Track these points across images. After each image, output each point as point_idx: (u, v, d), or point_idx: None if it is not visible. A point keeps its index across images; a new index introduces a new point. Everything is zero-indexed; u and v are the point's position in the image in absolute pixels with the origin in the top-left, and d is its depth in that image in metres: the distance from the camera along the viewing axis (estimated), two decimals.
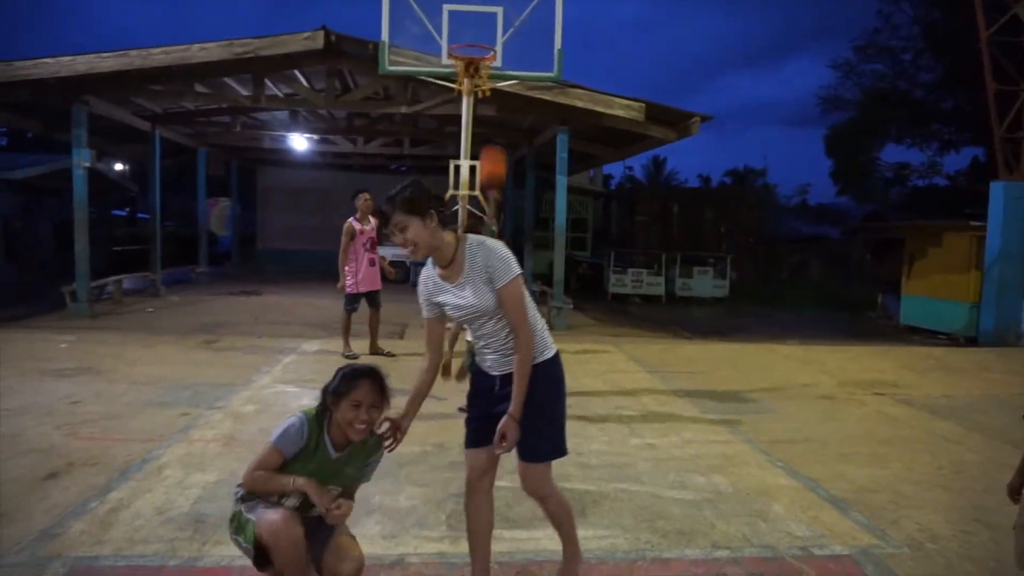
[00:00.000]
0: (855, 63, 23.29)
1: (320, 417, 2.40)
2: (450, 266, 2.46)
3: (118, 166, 22.97)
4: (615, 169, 45.70)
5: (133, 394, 5.67)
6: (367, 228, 7.67)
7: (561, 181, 11.11)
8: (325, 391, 2.40)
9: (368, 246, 7.66)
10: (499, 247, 2.46)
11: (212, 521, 3.29)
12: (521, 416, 2.41)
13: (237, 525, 2.40)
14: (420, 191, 2.42)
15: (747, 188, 34.46)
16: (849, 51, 23.22)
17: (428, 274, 2.57)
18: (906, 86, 22.43)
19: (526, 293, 2.48)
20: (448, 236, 2.44)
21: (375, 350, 7.67)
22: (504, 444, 2.40)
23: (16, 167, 16.90)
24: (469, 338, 2.83)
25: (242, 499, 2.42)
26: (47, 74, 9.39)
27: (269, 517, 2.29)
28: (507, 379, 2.49)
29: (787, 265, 24.92)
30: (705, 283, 17.38)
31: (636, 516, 3.54)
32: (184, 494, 3.61)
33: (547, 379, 2.53)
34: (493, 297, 2.41)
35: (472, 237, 2.48)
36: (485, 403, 2.59)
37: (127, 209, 26.26)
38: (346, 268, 7.57)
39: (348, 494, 2.45)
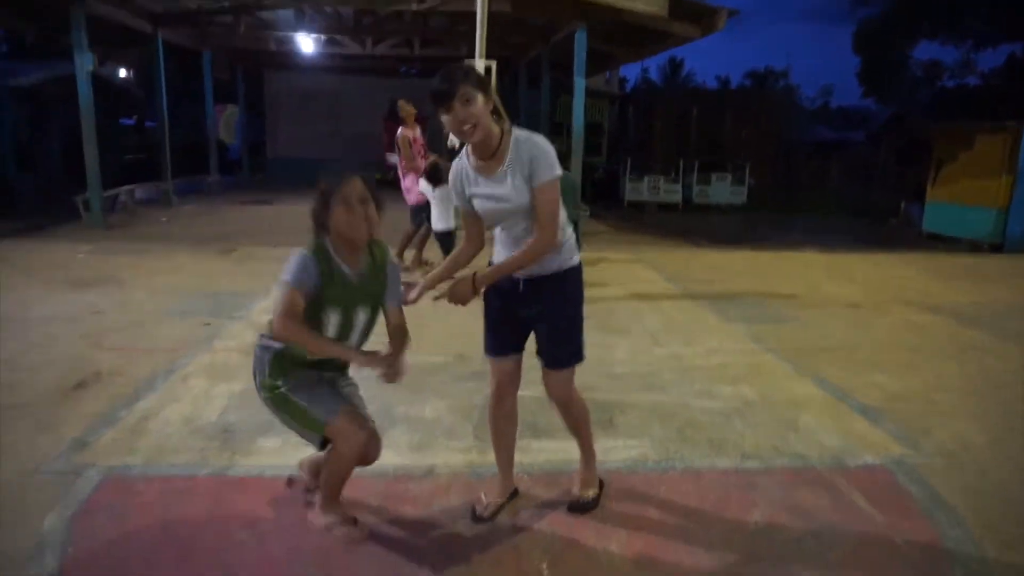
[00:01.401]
0: None
1: (320, 245, 2.31)
2: (492, 157, 2.32)
3: (122, 72, 22.37)
4: (630, 71, 44.15)
5: (154, 304, 5.67)
6: (417, 135, 7.43)
7: (579, 83, 10.67)
8: (314, 215, 2.31)
9: (423, 153, 7.43)
10: (546, 143, 2.31)
11: (240, 431, 3.30)
12: (551, 321, 2.47)
13: (277, 398, 2.43)
14: (478, 71, 2.33)
15: (768, 91, 33.19)
16: None
17: (461, 165, 2.44)
18: None
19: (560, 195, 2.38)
20: (495, 125, 2.31)
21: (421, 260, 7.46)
22: (446, 297, 2.41)
23: (18, 74, 16.49)
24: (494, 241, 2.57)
25: (268, 349, 2.43)
26: None
27: (349, 430, 2.36)
28: (531, 283, 2.44)
29: (807, 171, 24.34)
30: (723, 190, 17.03)
31: (665, 426, 3.53)
32: (211, 404, 3.62)
33: (576, 285, 2.51)
34: (529, 194, 2.29)
35: (520, 130, 2.34)
36: (506, 306, 2.53)
37: (134, 117, 25.81)
38: (408, 178, 7.34)
39: (398, 335, 2.44)
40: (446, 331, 4.61)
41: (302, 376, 2.43)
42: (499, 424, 2.67)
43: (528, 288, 2.45)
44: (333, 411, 2.38)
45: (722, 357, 4.67)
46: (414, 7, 10.65)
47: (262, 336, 2.47)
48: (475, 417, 3.53)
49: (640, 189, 16.51)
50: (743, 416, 3.68)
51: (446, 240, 6.64)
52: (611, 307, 5.95)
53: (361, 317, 2.40)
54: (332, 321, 2.34)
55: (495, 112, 2.31)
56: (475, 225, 2.53)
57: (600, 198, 16.28)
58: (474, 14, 7.99)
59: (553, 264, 2.42)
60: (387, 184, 6.80)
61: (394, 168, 7.87)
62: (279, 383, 2.41)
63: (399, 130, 7.37)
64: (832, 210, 16.36)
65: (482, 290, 2.42)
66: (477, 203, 2.42)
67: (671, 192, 16.58)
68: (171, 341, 4.69)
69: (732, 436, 3.42)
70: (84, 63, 9.95)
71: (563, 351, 2.51)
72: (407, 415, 3.56)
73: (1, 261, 7.30)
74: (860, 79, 24.31)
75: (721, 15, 10.10)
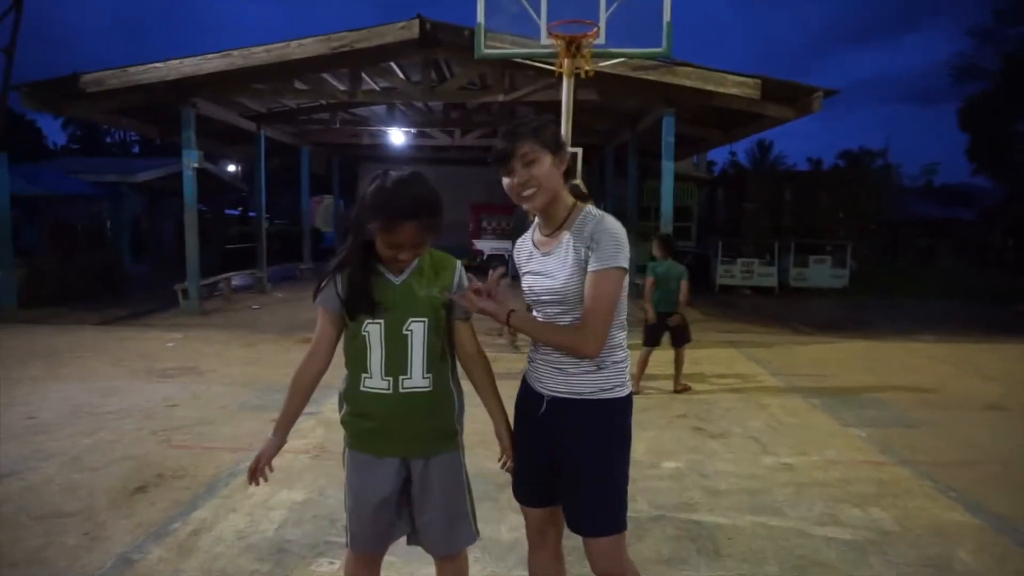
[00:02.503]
0: (994, 28, 21.03)
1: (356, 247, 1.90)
2: (557, 231, 1.91)
3: (231, 167, 23.96)
4: (718, 155, 43.82)
5: (229, 397, 5.56)
6: None
7: (668, 167, 10.38)
8: (357, 223, 1.88)
9: None
10: (619, 227, 1.86)
11: (296, 551, 2.97)
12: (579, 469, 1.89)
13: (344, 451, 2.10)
14: (553, 125, 1.92)
15: (865, 169, 31.97)
16: (985, 16, 21.01)
17: (525, 237, 2.05)
18: None
19: (622, 299, 1.87)
20: (568, 194, 1.93)
21: None
22: (471, 295, 1.90)
23: (139, 171, 17.89)
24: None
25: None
26: (157, 78, 9.64)
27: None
28: (556, 406, 1.90)
29: (913, 251, 22.90)
30: (822, 273, 16.15)
31: (782, 560, 2.95)
32: (268, 516, 3.33)
33: (616, 428, 1.89)
34: (579, 280, 1.82)
35: (593, 207, 1.92)
36: (529, 435, 2.00)
37: (239, 208, 27.48)
38: None
39: (474, 367, 2.04)
40: None
41: (361, 443, 1.98)
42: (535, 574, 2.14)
43: (552, 411, 1.90)
44: (357, 538, 1.97)
45: (844, 470, 4.03)
46: (500, 99, 10.80)
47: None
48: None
49: (733, 272, 15.85)
50: (880, 551, 3.04)
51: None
52: (707, 405, 5.39)
53: (417, 335, 1.90)
54: (373, 340, 1.90)
55: (570, 178, 1.94)
56: None
57: (690, 282, 15.67)
58: (558, 103, 7.94)
59: (586, 386, 1.86)
60: (472, 269, 6.65)
61: (480, 254, 7.71)
62: (345, 435, 2.06)
63: None
64: (944, 294, 15.11)
65: (507, 329, 2.06)
66: (525, 282, 1.99)
67: (766, 275, 15.82)
68: (239, 439, 4.50)
69: None
70: (191, 159, 10.54)
71: (593, 514, 1.88)
72: (482, 535, 3.13)
73: (95, 348, 7.50)
74: (969, 156, 23.00)
75: (817, 96, 9.69)
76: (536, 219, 2.02)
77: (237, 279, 13.28)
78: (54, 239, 15.21)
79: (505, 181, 1.88)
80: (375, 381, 1.93)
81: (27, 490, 3.58)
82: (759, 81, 9.41)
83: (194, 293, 10.51)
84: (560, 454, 1.90)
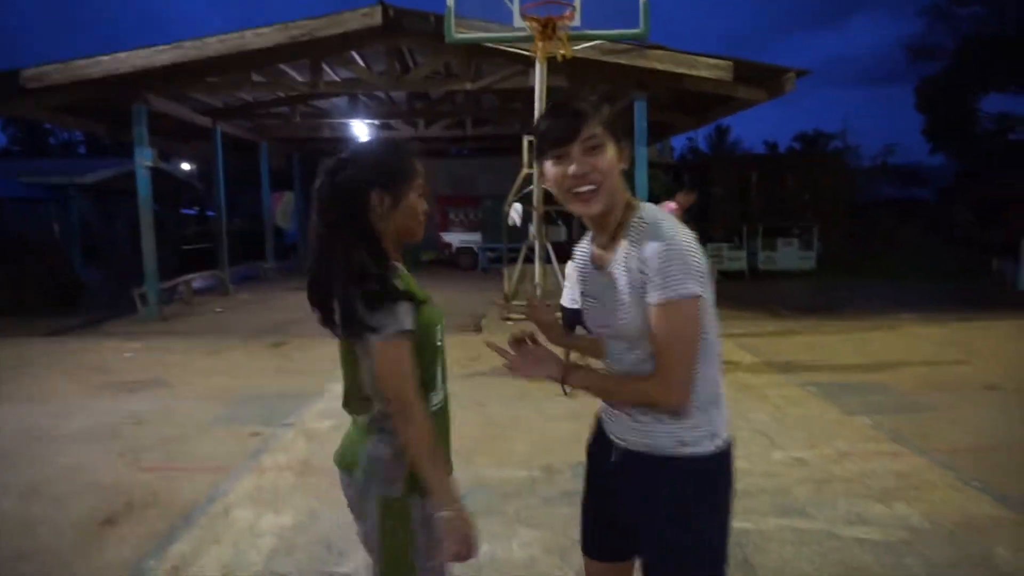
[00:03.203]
0: (947, 7, 21.36)
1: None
2: (611, 242, 1.49)
3: (185, 165, 23.16)
4: (676, 141, 43.90)
5: (200, 411, 5.18)
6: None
7: (641, 153, 10.17)
8: (361, 207, 1.50)
9: None
10: (681, 235, 1.39)
11: None
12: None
13: (401, 538, 1.52)
14: (613, 108, 1.50)
15: (827, 152, 32.40)
16: None
17: (583, 250, 1.65)
18: (1010, 29, 20.37)
19: (701, 329, 1.41)
20: (624, 198, 1.50)
21: None
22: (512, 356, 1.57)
23: (87, 172, 17.07)
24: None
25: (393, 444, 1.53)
26: (104, 72, 9.07)
27: None
28: (628, 459, 1.50)
29: (878, 232, 23.24)
30: (791, 255, 16.26)
31: (819, 568, 2.76)
32: (256, 545, 3.02)
33: (706, 491, 1.47)
34: (637, 314, 1.40)
35: (650, 207, 1.49)
36: (597, 484, 1.66)
37: (196, 208, 26.61)
38: None
39: None
40: (528, 439, 3.97)
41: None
42: None
43: (623, 465, 1.52)
44: None
45: (860, 463, 3.86)
46: (467, 87, 10.47)
47: (380, 419, 1.53)
48: (575, 560, 2.83)
49: None
50: (915, 550, 2.87)
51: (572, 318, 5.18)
52: None
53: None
54: (439, 367, 1.59)
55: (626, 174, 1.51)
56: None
57: None
58: (526, 90, 7.67)
59: (664, 439, 1.44)
60: (441, 263, 6.35)
61: (449, 246, 7.45)
62: (412, 512, 1.51)
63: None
64: (909, 272, 15.30)
65: (567, 387, 1.53)
66: (583, 303, 1.63)
67: (735, 259, 15.84)
68: (215, 457, 4.16)
69: None
70: (144, 157, 9.99)
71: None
72: (492, 555, 2.88)
73: (46, 362, 7.02)
74: (927, 136, 23.39)
75: (789, 77, 9.58)
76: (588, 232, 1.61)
77: (198, 281, 12.73)
78: None
79: (552, 170, 1.46)
80: (439, 395, 1.60)
81: None
82: (731, 63, 9.27)
83: (153, 298, 9.98)
84: (631, 517, 1.52)
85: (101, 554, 2.97)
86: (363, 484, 1.53)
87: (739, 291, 12.83)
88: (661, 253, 1.35)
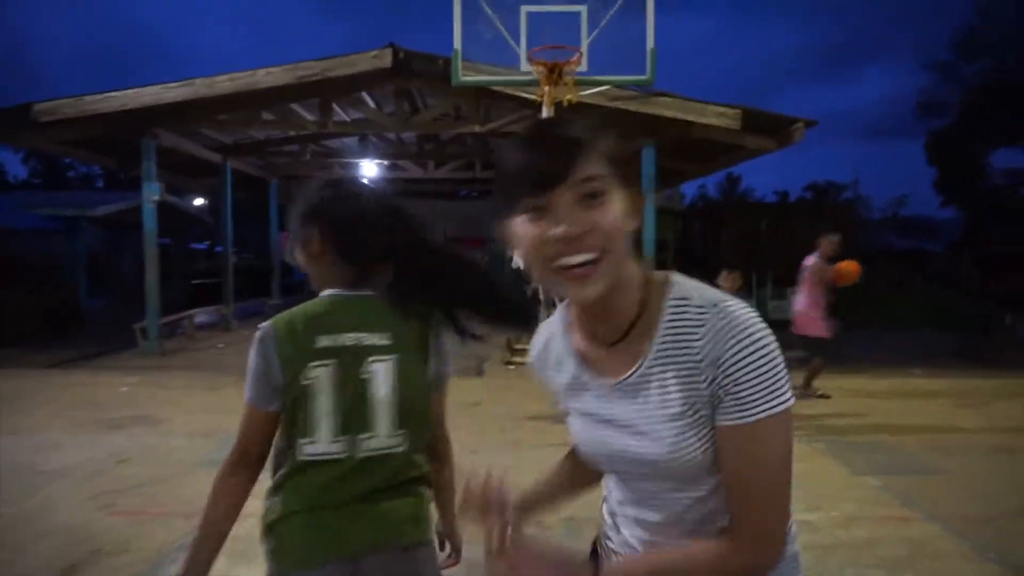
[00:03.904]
0: (953, 63, 21.56)
1: None
2: (624, 338, 1.02)
3: (197, 201, 23.37)
4: (687, 188, 44.25)
5: (187, 450, 5.04)
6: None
7: (649, 198, 10.16)
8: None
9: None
10: (761, 328, 0.95)
11: None
12: None
13: None
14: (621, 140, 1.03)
15: (838, 202, 32.46)
16: (942, 50, 21.60)
17: (552, 335, 1.16)
18: (1018, 82, 20.49)
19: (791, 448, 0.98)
20: (636, 269, 1.01)
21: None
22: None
23: (98, 204, 17.26)
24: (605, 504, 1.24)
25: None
26: (115, 107, 9.19)
27: None
28: None
29: (884, 281, 23.09)
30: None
31: None
32: None
33: None
34: (695, 443, 0.97)
35: (684, 281, 1.03)
36: None
37: (207, 243, 26.77)
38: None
39: None
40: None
41: None
42: None
43: None
44: None
45: (868, 529, 3.66)
46: (476, 130, 10.53)
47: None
48: None
49: None
50: None
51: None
52: None
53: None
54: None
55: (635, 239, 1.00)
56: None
57: None
58: None
59: None
60: None
61: None
62: None
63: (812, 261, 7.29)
64: (919, 322, 15.12)
65: None
66: (579, 426, 1.11)
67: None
68: (193, 502, 3.97)
69: None
70: (151, 191, 10.04)
71: None
72: None
73: (41, 396, 6.91)
74: (937, 189, 23.39)
75: (798, 127, 9.60)
76: (559, 310, 1.16)
77: (201, 316, 12.67)
78: (2, 276, 14.47)
79: (527, 230, 0.94)
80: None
81: None
82: (739, 111, 9.29)
83: (153, 332, 9.92)
84: None
85: None
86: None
87: None
88: (751, 354, 0.92)
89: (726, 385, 0.93)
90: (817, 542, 3.48)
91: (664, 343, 0.98)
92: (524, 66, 6.73)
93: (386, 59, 8.93)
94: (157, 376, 8.05)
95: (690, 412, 0.96)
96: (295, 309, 1.46)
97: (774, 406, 0.92)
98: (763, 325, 0.95)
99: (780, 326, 9.95)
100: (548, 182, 0.91)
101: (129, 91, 9.12)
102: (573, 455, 1.27)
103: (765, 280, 16.17)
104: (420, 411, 1.46)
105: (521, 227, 0.95)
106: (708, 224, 22.77)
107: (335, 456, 1.39)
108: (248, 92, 9.21)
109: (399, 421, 1.42)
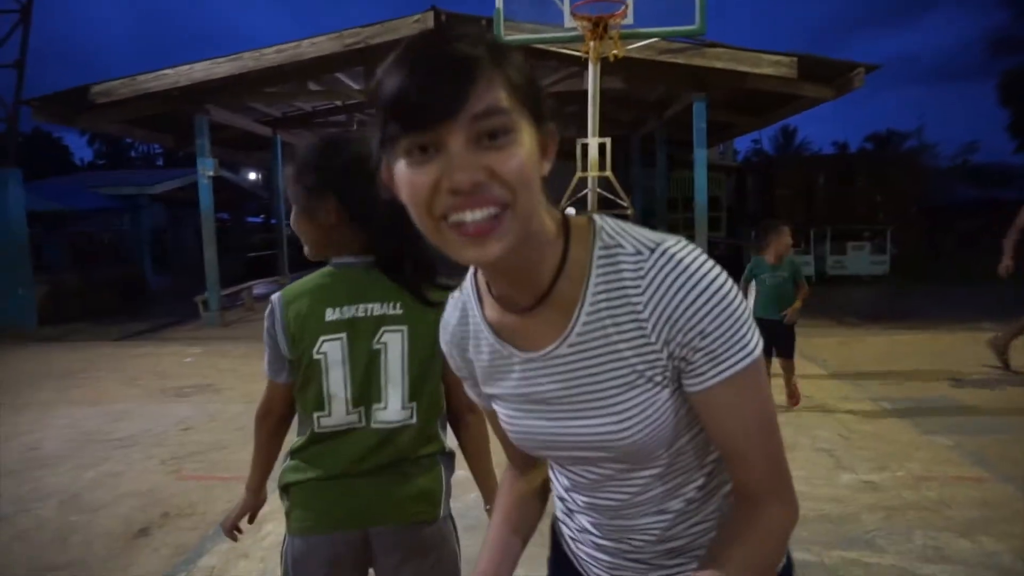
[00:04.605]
0: None
1: None
2: (541, 302, 0.82)
3: (252, 175, 23.83)
4: (740, 143, 42.84)
5: (247, 416, 5.16)
6: None
7: (700, 155, 9.85)
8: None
9: None
10: (704, 266, 0.78)
11: None
12: None
13: None
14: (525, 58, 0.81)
15: (901, 152, 30.99)
16: None
17: (466, 308, 0.93)
18: None
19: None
20: (551, 218, 0.81)
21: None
22: None
23: (157, 182, 17.77)
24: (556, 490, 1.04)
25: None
26: (167, 85, 9.35)
27: None
28: None
29: (954, 235, 22.08)
30: (861, 260, 15.53)
31: None
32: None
33: None
34: (656, 415, 0.82)
35: (612, 226, 0.83)
36: None
37: (262, 216, 27.39)
38: None
39: None
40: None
41: None
42: None
43: None
44: None
45: (939, 489, 3.51)
46: None
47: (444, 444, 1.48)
48: None
49: None
50: None
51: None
52: None
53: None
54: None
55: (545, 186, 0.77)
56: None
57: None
58: (580, 93, 7.46)
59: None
60: None
61: None
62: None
63: None
64: (991, 278, 14.39)
65: None
66: (508, 413, 0.92)
67: (802, 264, 15.21)
68: None
69: None
70: (206, 167, 10.24)
71: None
72: None
73: (111, 367, 7.21)
74: (1012, 132, 22.05)
75: (858, 73, 9.09)
76: (467, 279, 0.94)
77: (259, 287, 12.99)
78: (74, 254, 15.10)
79: (410, 175, 0.71)
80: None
81: (16, 539, 3.22)
82: (795, 59, 8.87)
83: (214, 304, 10.22)
84: None
85: (131, 568, 2.93)
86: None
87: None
88: (709, 300, 0.77)
89: (691, 342, 0.77)
90: (883, 503, 3.36)
91: (597, 301, 0.80)
92: (568, 22, 6.54)
93: (428, 22, 8.81)
94: (218, 346, 8.30)
95: (641, 380, 0.80)
96: (304, 280, 1.43)
97: (751, 351, 0.78)
98: (712, 263, 0.79)
99: (838, 282, 9.66)
100: (433, 116, 0.68)
101: (181, 68, 9.26)
102: (506, 501, 1.08)
103: (823, 236, 15.60)
104: (434, 381, 1.42)
105: (401, 173, 0.72)
106: (762, 179, 22.05)
107: (349, 427, 1.38)
108: (294, 63, 9.25)
109: (412, 392, 1.39)
